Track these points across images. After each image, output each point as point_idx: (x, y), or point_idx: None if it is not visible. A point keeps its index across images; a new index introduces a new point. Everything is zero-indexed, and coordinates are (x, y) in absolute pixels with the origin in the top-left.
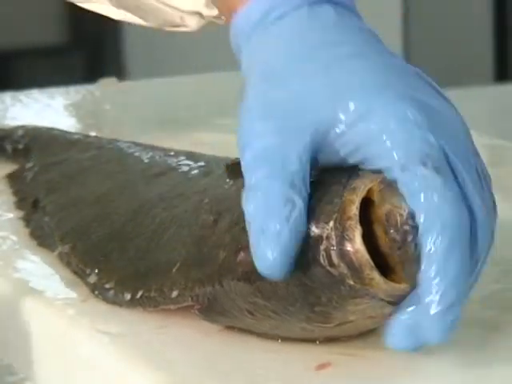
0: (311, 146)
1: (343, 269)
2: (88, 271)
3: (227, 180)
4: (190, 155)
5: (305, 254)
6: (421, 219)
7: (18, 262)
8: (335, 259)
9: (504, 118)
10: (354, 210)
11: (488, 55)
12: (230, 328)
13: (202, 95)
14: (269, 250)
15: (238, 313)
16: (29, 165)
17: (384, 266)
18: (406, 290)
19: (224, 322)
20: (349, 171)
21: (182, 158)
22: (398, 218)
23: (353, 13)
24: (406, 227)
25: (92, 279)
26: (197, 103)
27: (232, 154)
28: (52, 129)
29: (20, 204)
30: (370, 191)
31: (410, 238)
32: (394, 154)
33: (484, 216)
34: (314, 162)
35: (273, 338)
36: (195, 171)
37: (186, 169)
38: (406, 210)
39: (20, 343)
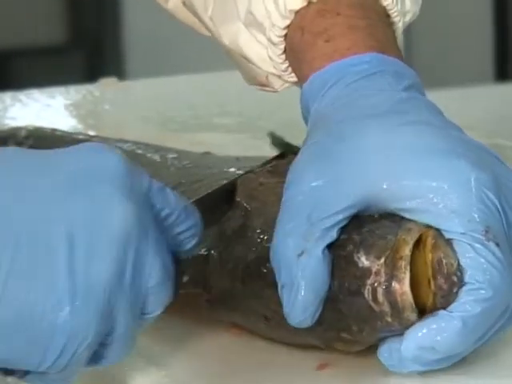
0: (357, 201)
1: (386, 307)
2: None
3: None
4: (203, 157)
5: (348, 281)
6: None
7: None
8: (380, 296)
9: (504, 118)
10: (407, 251)
11: (488, 55)
12: (230, 329)
13: (202, 95)
14: (291, 304)
15: (252, 315)
16: None
17: (416, 299)
18: None
19: (231, 319)
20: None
21: (194, 159)
22: (449, 268)
23: (419, 89)
24: (454, 278)
25: None
26: (197, 103)
27: (232, 152)
28: (55, 129)
29: None
30: (420, 235)
31: (455, 289)
32: (455, 219)
33: None
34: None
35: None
36: (209, 170)
37: (200, 169)
38: (456, 262)
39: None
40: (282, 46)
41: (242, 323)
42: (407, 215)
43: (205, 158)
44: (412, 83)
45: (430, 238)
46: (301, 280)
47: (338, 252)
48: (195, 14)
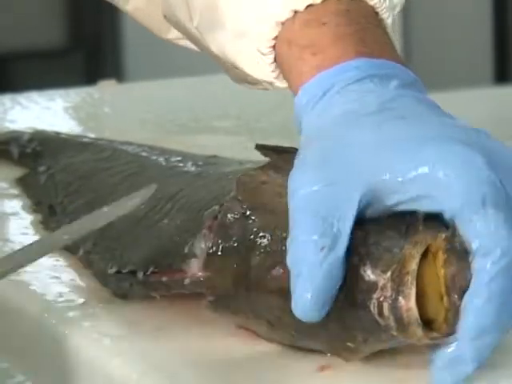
0: (361, 197)
1: (391, 321)
2: (110, 265)
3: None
4: (208, 158)
5: (354, 294)
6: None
7: None
8: (386, 311)
9: (504, 120)
10: (414, 265)
11: (488, 57)
12: (230, 329)
13: (201, 97)
14: (303, 293)
15: (254, 319)
16: (41, 168)
17: (422, 311)
18: (443, 338)
19: (233, 320)
20: (407, 219)
21: (200, 162)
22: (462, 284)
23: (414, 86)
24: None
25: (112, 271)
26: (196, 105)
27: (231, 155)
28: (58, 133)
29: (36, 207)
30: (428, 245)
31: None
32: (453, 198)
33: None
34: (365, 209)
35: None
36: (215, 173)
37: (206, 170)
38: (469, 276)
39: (20, 346)
40: (272, 56)
41: (244, 325)
42: (406, 206)
43: (209, 161)
44: (404, 82)
45: (441, 252)
46: (319, 269)
47: (345, 264)
48: (177, 24)
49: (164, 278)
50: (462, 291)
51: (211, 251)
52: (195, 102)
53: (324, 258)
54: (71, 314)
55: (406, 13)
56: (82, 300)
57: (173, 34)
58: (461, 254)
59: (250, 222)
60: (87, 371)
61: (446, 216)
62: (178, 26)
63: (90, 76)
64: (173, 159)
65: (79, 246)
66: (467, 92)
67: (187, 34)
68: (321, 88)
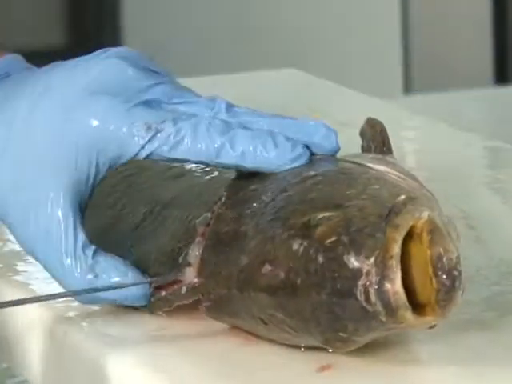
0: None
1: (379, 307)
2: None
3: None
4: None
5: (340, 282)
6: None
7: (18, 264)
8: (372, 297)
9: (504, 121)
10: (397, 249)
11: (488, 57)
12: (231, 330)
13: None
14: None
15: (249, 319)
16: None
17: (411, 296)
18: (433, 322)
19: (230, 323)
20: (389, 202)
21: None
22: (449, 263)
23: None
24: (455, 272)
25: None
26: None
27: None
28: None
29: None
30: (412, 228)
31: (457, 283)
32: (122, 142)
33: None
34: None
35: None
36: (213, 174)
37: (203, 171)
38: (456, 254)
39: (20, 346)
40: None
41: (240, 326)
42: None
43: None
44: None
45: (426, 233)
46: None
47: (329, 254)
48: None
49: (163, 293)
50: (450, 270)
51: (205, 257)
52: None
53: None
54: (71, 314)
55: (405, 13)
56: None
57: None
58: (445, 233)
59: (240, 226)
60: (87, 371)
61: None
62: None
63: None
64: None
65: None
66: (467, 92)
67: None
68: None
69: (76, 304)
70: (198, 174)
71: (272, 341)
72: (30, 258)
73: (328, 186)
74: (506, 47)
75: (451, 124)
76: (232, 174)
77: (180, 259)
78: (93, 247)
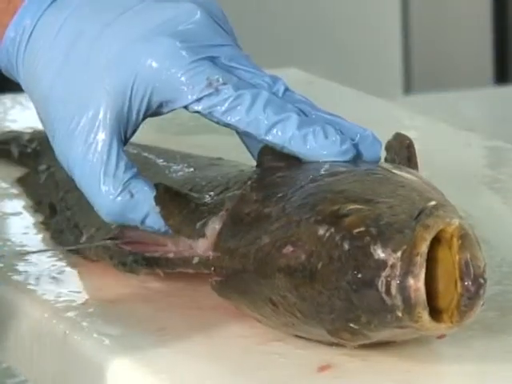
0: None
1: (398, 301)
2: (110, 253)
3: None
4: (209, 161)
5: (363, 271)
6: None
7: (19, 264)
8: (393, 290)
9: (504, 120)
10: (425, 247)
11: (488, 57)
12: (231, 330)
13: None
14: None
15: (259, 299)
16: (42, 167)
17: (430, 301)
18: (447, 330)
19: (238, 302)
20: (420, 205)
21: (199, 164)
22: (476, 270)
23: None
24: (482, 280)
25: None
26: None
27: (233, 156)
28: None
29: (37, 208)
30: (439, 232)
31: (481, 291)
32: (178, 88)
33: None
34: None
35: (276, 329)
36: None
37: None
38: (483, 263)
39: (20, 346)
40: None
41: (246, 307)
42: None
43: (212, 162)
44: None
45: (456, 238)
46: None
47: (355, 243)
48: None
49: (171, 254)
50: (476, 278)
51: (223, 232)
52: None
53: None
54: (71, 313)
55: (405, 13)
56: (81, 300)
57: None
58: (474, 240)
59: (264, 208)
60: (87, 371)
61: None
62: None
63: None
64: (172, 160)
65: (82, 233)
66: (467, 92)
67: None
68: (21, 28)
69: (76, 304)
70: (200, 172)
71: (275, 328)
72: (30, 258)
73: (360, 182)
74: (506, 47)
75: (451, 124)
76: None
77: (198, 225)
78: (134, 169)
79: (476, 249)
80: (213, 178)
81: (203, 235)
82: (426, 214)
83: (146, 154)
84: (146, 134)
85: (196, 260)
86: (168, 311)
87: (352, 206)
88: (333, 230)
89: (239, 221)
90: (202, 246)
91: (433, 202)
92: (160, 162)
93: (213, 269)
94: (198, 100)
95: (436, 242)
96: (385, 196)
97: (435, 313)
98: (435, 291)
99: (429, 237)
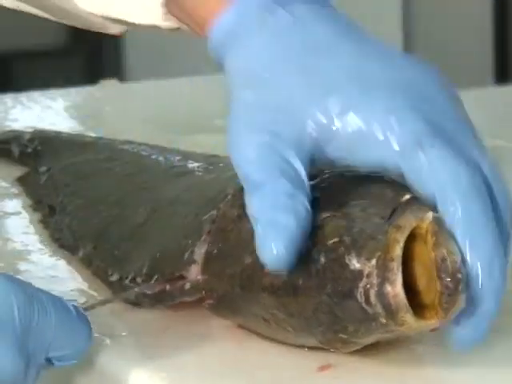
0: (303, 145)
1: (379, 309)
2: (110, 271)
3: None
4: (209, 158)
5: (341, 284)
6: (435, 196)
7: (20, 264)
8: (373, 299)
9: (504, 120)
10: (399, 250)
11: (488, 56)
12: (231, 330)
13: (202, 97)
14: (278, 242)
15: (252, 317)
16: (42, 168)
17: (415, 298)
18: (435, 325)
19: (233, 321)
20: (393, 202)
21: (201, 160)
22: (453, 265)
23: (327, 7)
24: (459, 275)
25: (114, 278)
26: (197, 105)
27: None
28: (60, 132)
29: (36, 206)
30: (414, 228)
31: (461, 287)
32: (388, 142)
33: (497, 177)
34: (311, 161)
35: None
36: (215, 173)
37: (205, 170)
38: (459, 257)
39: None
40: None
41: (242, 324)
42: (347, 155)
43: (210, 160)
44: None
45: (430, 234)
46: (292, 217)
47: (330, 255)
48: None
49: (167, 287)
50: (454, 274)
51: (209, 255)
52: (196, 101)
53: (293, 205)
54: None
55: (406, 13)
56: (82, 300)
57: None
58: (449, 234)
59: (245, 224)
60: (87, 371)
61: (387, 165)
62: None
63: (91, 75)
64: (173, 159)
65: (79, 247)
66: (467, 92)
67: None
68: (236, 23)
69: (76, 303)
70: (200, 174)
71: (273, 340)
72: (31, 258)
73: (334, 184)
74: (507, 47)
75: None
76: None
77: (186, 256)
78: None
79: (451, 243)
80: (184, 193)
81: (194, 262)
82: (397, 214)
83: (145, 153)
84: (148, 132)
85: (188, 286)
86: (169, 311)
87: (325, 215)
88: (309, 243)
89: (223, 240)
90: (193, 273)
91: (406, 197)
92: (161, 160)
93: (204, 292)
94: (401, 156)
95: (412, 236)
96: (358, 197)
97: (421, 309)
98: (418, 287)
99: (402, 238)
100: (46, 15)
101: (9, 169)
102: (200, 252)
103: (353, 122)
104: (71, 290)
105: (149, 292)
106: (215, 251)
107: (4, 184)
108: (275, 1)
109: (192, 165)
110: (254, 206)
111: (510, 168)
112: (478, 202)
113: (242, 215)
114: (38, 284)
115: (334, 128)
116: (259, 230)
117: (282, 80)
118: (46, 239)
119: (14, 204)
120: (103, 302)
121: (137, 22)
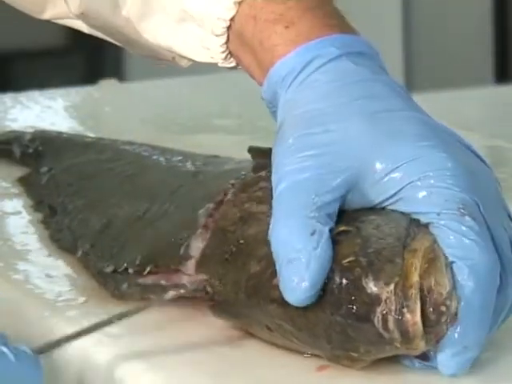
0: (344, 185)
1: (396, 335)
2: (106, 265)
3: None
4: (209, 158)
5: (357, 306)
6: (455, 261)
7: (19, 263)
8: (391, 325)
9: (504, 119)
10: (417, 276)
11: (488, 56)
12: (230, 330)
13: (201, 96)
14: (299, 280)
15: (255, 323)
16: (43, 168)
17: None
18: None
19: (234, 323)
20: (401, 218)
21: (201, 160)
22: (438, 297)
23: (379, 64)
24: (443, 308)
25: (108, 269)
26: (197, 104)
27: (232, 155)
28: (61, 132)
29: (37, 207)
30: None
31: (443, 319)
32: (431, 201)
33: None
34: (344, 202)
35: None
36: (214, 172)
37: (205, 170)
38: (447, 289)
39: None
40: (225, 36)
41: (246, 328)
42: (385, 204)
43: (210, 160)
44: (375, 63)
45: (424, 261)
46: (313, 254)
47: (346, 275)
48: (96, 19)
49: (162, 281)
50: (438, 305)
51: (208, 253)
52: (196, 101)
53: (317, 242)
54: (71, 313)
55: (406, 12)
56: (81, 300)
57: (48, 14)
58: (442, 264)
59: (249, 228)
60: (87, 371)
61: (422, 219)
62: (97, 21)
63: (90, 75)
64: (173, 159)
65: (77, 246)
66: (467, 92)
67: (104, 25)
68: (300, 63)
69: (76, 303)
70: (200, 170)
71: (274, 344)
72: (30, 257)
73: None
74: (507, 46)
75: (451, 123)
76: (231, 168)
77: (182, 250)
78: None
79: (441, 274)
80: (180, 189)
81: (190, 257)
82: (411, 236)
83: (146, 154)
84: (148, 132)
85: (183, 281)
86: (168, 311)
87: (339, 229)
88: None
89: (223, 240)
90: (189, 268)
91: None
92: (162, 160)
93: (205, 293)
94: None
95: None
96: (370, 212)
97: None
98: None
99: (418, 263)
100: (126, 47)
101: (9, 169)
102: (196, 246)
103: (405, 172)
104: (70, 290)
105: (140, 281)
106: (215, 251)
107: (4, 184)
108: (343, 54)
109: (192, 165)
110: (275, 237)
111: (510, 167)
112: (481, 299)
113: (246, 218)
114: (36, 284)
115: (386, 175)
116: (279, 264)
117: (339, 124)
118: (45, 239)
119: (14, 204)
120: (137, 310)
121: (196, 59)
